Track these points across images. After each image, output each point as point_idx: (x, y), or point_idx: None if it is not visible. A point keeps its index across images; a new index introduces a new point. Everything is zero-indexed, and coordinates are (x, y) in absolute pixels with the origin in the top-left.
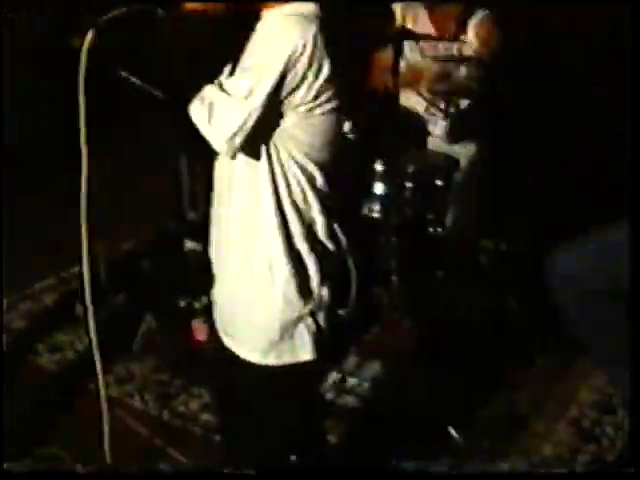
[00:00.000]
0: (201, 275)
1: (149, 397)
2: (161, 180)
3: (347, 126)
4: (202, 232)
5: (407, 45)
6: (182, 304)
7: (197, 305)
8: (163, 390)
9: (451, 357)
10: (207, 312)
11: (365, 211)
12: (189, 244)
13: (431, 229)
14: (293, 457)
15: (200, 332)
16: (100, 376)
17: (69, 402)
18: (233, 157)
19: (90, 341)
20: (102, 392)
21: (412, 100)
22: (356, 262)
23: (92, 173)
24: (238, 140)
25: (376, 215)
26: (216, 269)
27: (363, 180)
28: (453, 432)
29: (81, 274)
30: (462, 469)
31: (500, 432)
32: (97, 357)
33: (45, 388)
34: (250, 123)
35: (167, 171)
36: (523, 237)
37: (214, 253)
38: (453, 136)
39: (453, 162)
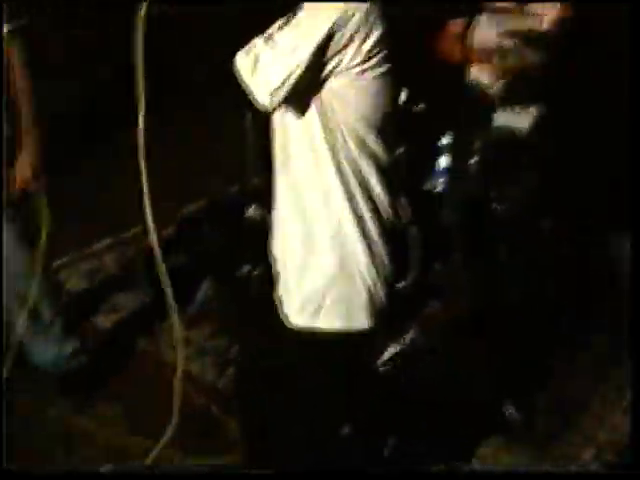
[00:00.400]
0: (262, 242)
1: (205, 363)
2: (224, 145)
3: (405, 96)
4: (265, 198)
5: (480, 18)
6: (242, 271)
7: (257, 272)
8: (220, 357)
9: (509, 338)
10: (266, 280)
11: (429, 185)
12: (251, 210)
13: (494, 206)
14: (345, 430)
15: None
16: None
17: (124, 363)
18: (273, 111)
19: (168, 305)
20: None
21: (480, 73)
22: (418, 236)
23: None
24: (281, 94)
25: (440, 189)
26: (274, 232)
27: (428, 154)
28: (510, 409)
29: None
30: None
31: (557, 414)
32: (176, 324)
33: (101, 348)
34: (293, 79)
35: (230, 137)
36: (587, 219)
37: (274, 218)
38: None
39: (518, 138)
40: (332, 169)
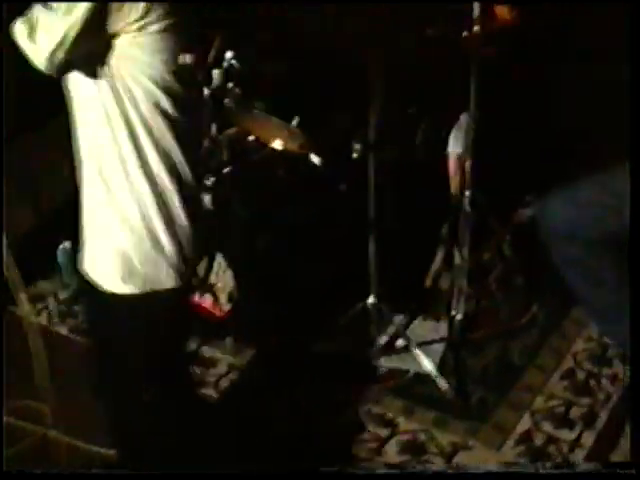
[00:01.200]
0: None
1: None
2: None
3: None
4: None
5: None
6: None
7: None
8: None
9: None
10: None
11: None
12: None
13: None
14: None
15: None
16: None
17: None
18: (56, 75)
19: None
20: None
21: None
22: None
23: None
24: (59, 57)
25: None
26: (81, 200)
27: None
28: (442, 382)
29: None
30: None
31: (491, 383)
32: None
33: None
34: (70, 39)
35: None
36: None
37: (79, 186)
38: None
39: None
40: (124, 133)
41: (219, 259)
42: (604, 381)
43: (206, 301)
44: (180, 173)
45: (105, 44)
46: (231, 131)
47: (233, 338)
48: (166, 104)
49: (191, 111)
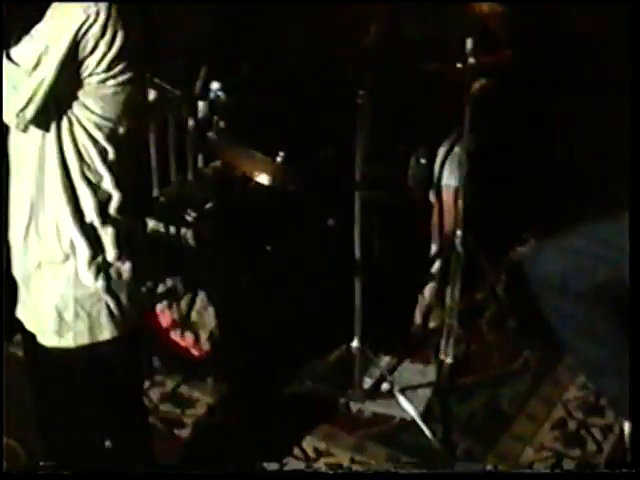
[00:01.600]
0: (164, 257)
1: None
2: None
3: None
4: (166, 211)
5: None
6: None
7: (160, 289)
8: None
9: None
10: (171, 296)
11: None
12: (151, 224)
13: None
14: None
15: (164, 317)
16: None
17: None
18: (24, 130)
19: None
20: None
21: None
22: None
23: None
24: (29, 113)
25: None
26: (13, 252)
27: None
28: (426, 430)
29: None
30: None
31: (479, 432)
32: None
33: None
34: (41, 94)
35: None
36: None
37: (12, 236)
38: None
39: None
40: (60, 178)
41: (202, 296)
42: (596, 431)
43: (187, 340)
44: (117, 223)
45: (69, 95)
46: (216, 164)
47: (213, 379)
48: (111, 153)
49: (134, 156)
